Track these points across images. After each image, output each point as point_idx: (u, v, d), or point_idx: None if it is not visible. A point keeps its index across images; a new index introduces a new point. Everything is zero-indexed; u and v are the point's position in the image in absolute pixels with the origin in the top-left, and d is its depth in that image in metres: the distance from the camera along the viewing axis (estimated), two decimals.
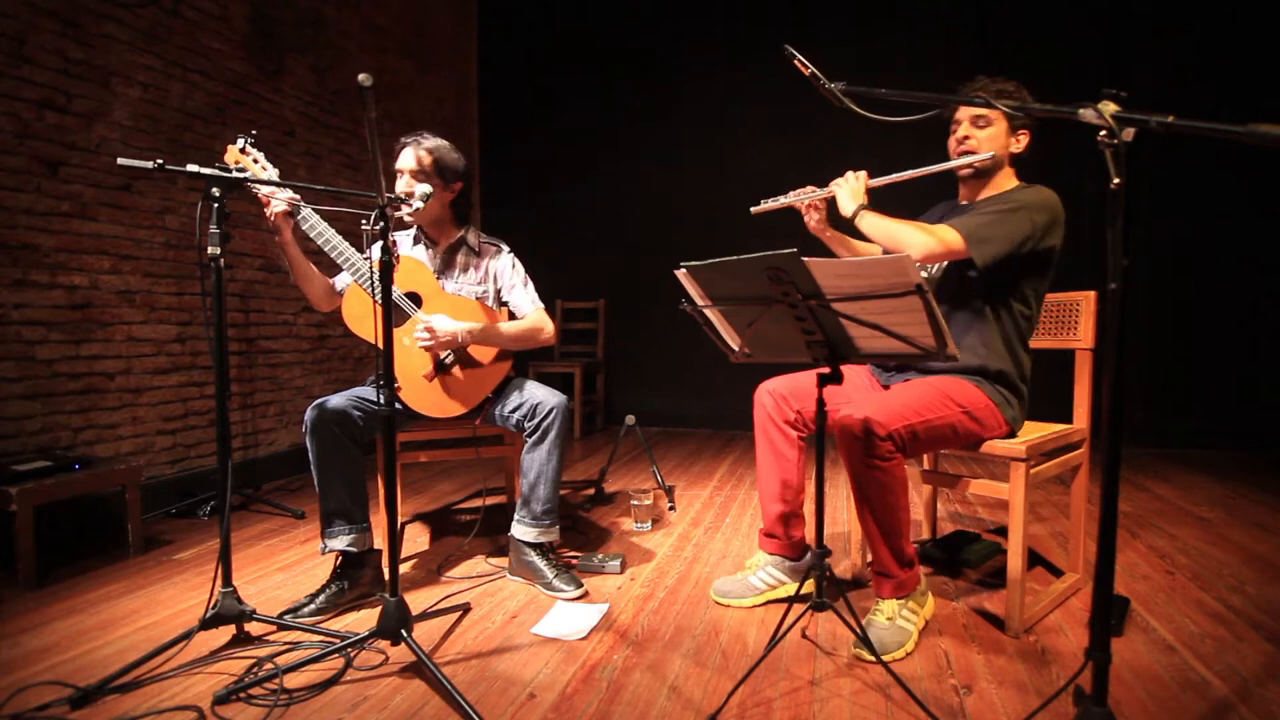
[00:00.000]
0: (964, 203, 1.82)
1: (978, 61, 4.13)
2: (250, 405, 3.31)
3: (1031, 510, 2.66)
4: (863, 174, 1.77)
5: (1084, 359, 1.86)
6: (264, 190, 1.77)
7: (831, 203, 1.85)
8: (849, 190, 1.75)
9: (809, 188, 1.88)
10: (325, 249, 1.86)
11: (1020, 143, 1.74)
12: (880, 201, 1.73)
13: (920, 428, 1.56)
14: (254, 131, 1.78)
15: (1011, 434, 1.72)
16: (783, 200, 1.91)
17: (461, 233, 2.17)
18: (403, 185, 2.01)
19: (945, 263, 1.75)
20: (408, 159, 2.03)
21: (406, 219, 2.00)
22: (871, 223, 1.68)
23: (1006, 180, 1.77)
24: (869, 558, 1.69)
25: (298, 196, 1.82)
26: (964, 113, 1.73)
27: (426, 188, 2.04)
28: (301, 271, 1.97)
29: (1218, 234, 3.82)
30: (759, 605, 1.83)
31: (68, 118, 2.49)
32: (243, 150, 1.76)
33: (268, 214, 1.81)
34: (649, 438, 4.45)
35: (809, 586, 1.50)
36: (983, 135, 1.72)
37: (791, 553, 1.86)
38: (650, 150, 4.87)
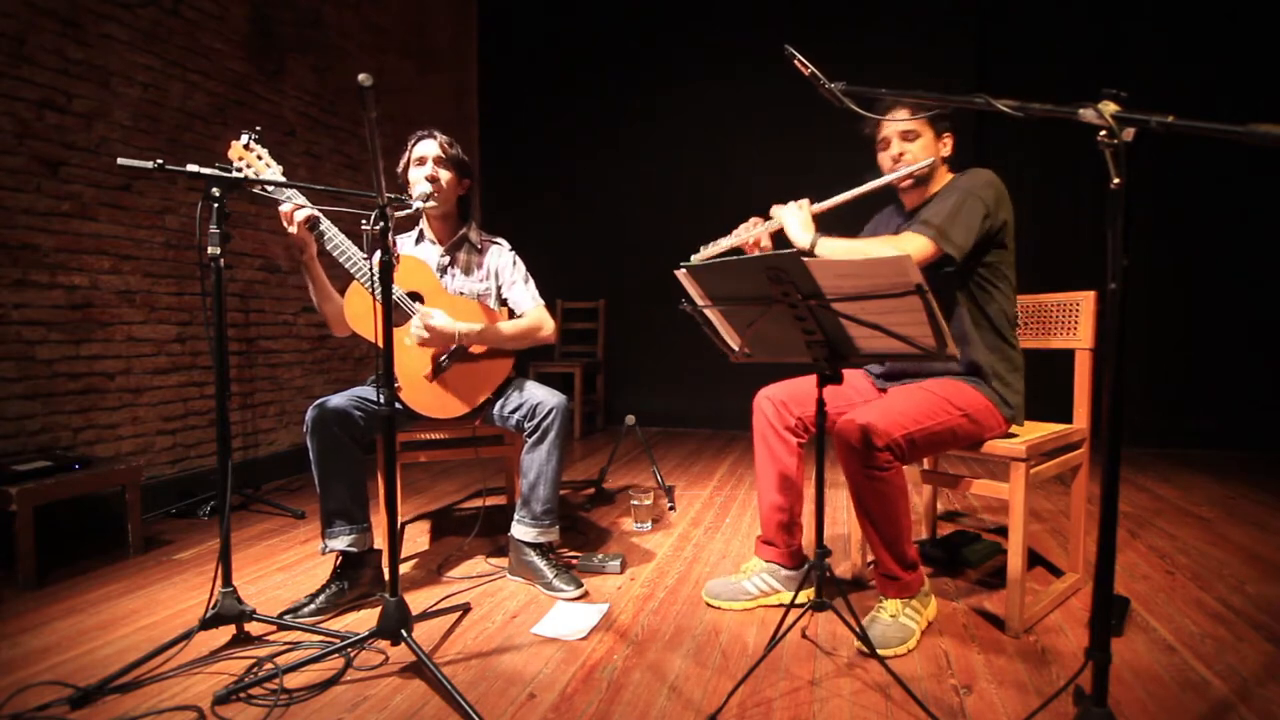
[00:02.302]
0: (909, 209, 1.85)
1: (978, 61, 4.14)
2: (250, 405, 3.31)
3: (1031, 510, 2.66)
4: (805, 202, 1.76)
5: (1084, 359, 1.86)
6: (286, 205, 1.75)
7: (778, 233, 1.83)
8: (799, 221, 1.73)
9: (752, 220, 1.84)
10: (341, 260, 1.83)
11: (947, 145, 1.79)
12: (823, 221, 1.72)
13: (919, 435, 1.56)
14: (258, 127, 1.75)
15: (1011, 428, 1.73)
16: (725, 243, 1.84)
17: (464, 230, 2.17)
18: (426, 171, 2.00)
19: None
20: (429, 147, 2.03)
21: (429, 206, 1.95)
22: (832, 248, 1.67)
23: (943, 180, 1.81)
24: (869, 558, 1.70)
25: (312, 206, 1.78)
26: (891, 129, 1.76)
27: (448, 174, 2.04)
28: (325, 292, 1.92)
29: (1218, 234, 3.82)
30: (748, 609, 1.82)
31: (68, 118, 2.49)
32: (246, 146, 1.73)
33: (292, 230, 1.75)
34: (649, 438, 4.45)
35: (806, 595, 1.50)
36: (914, 147, 1.75)
37: (789, 561, 1.84)
38: (650, 150, 4.87)
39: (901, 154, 1.75)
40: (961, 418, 1.62)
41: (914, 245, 1.60)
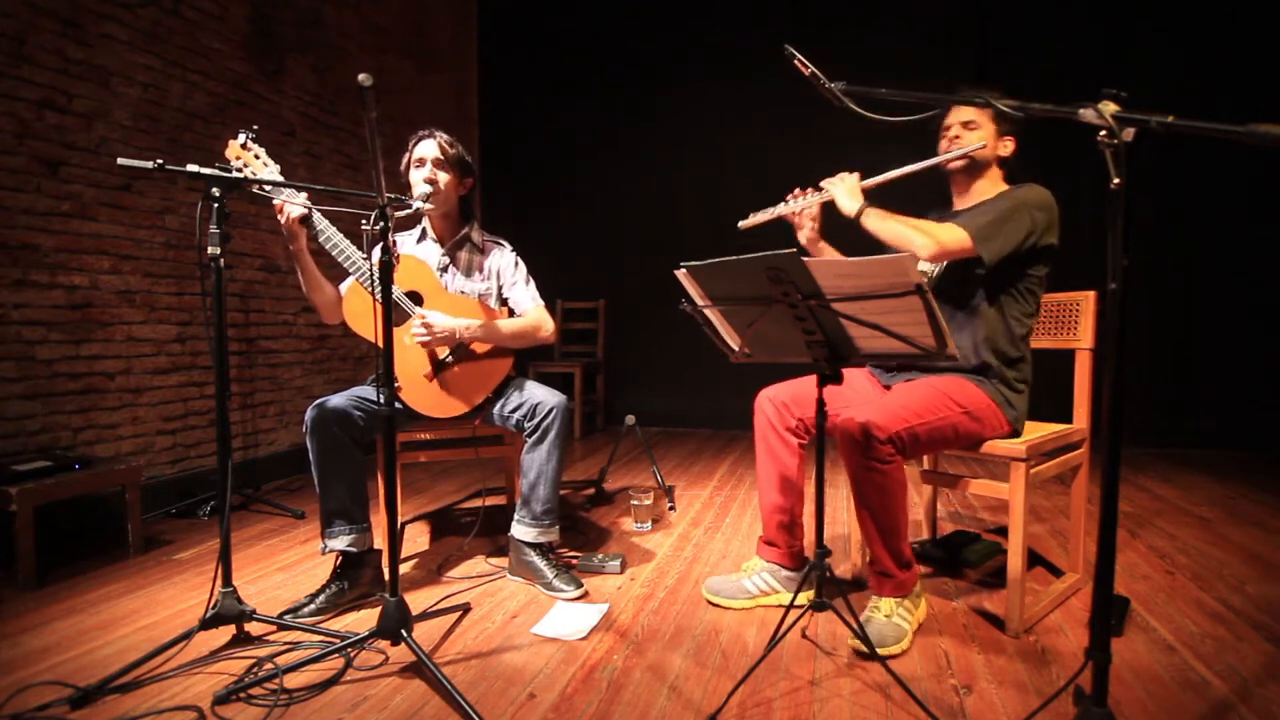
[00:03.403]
0: (957, 209, 1.84)
1: (978, 62, 4.14)
2: (250, 405, 3.31)
3: (1031, 510, 2.66)
4: (855, 175, 1.76)
5: (1084, 359, 1.86)
6: (277, 199, 1.75)
7: (825, 211, 1.83)
8: (846, 189, 1.73)
9: (801, 192, 1.84)
10: (335, 255, 1.83)
11: (1007, 147, 1.77)
12: (875, 198, 1.73)
13: (920, 430, 1.56)
14: (255, 126, 1.75)
15: (1014, 433, 1.72)
16: (774, 211, 1.86)
17: (466, 229, 2.17)
18: (425, 173, 2.00)
19: (945, 261, 1.75)
20: (429, 148, 2.03)
21: (426, 207, 1.97)
22: (877, 223, 1.67)
23: (995, 183, 1.80)
24: (869, 558, 1.70)
25: (307, 201, 1.79)
26: (954, 117, 1.77)
27: (448, 176, 2.04)
28: (314, 281, 1.92)
29: (1218, 234, 3.82)
30: (748, 609, 1.82)
31: (68, 118, 2.49)
32: (244, 146, 1.72)
33: (282, 221, 1.76)
34: (649, 438, 4.45)
35: (806, 597, 1.50)
36: (972, 135, 1.75)
37: (790, 563, 1.85)
38: (650, 150, 4.87)
39: (958, 138, 1.76)
40: (963, 414, 1.62)
41: (952, 235, 1.62)
